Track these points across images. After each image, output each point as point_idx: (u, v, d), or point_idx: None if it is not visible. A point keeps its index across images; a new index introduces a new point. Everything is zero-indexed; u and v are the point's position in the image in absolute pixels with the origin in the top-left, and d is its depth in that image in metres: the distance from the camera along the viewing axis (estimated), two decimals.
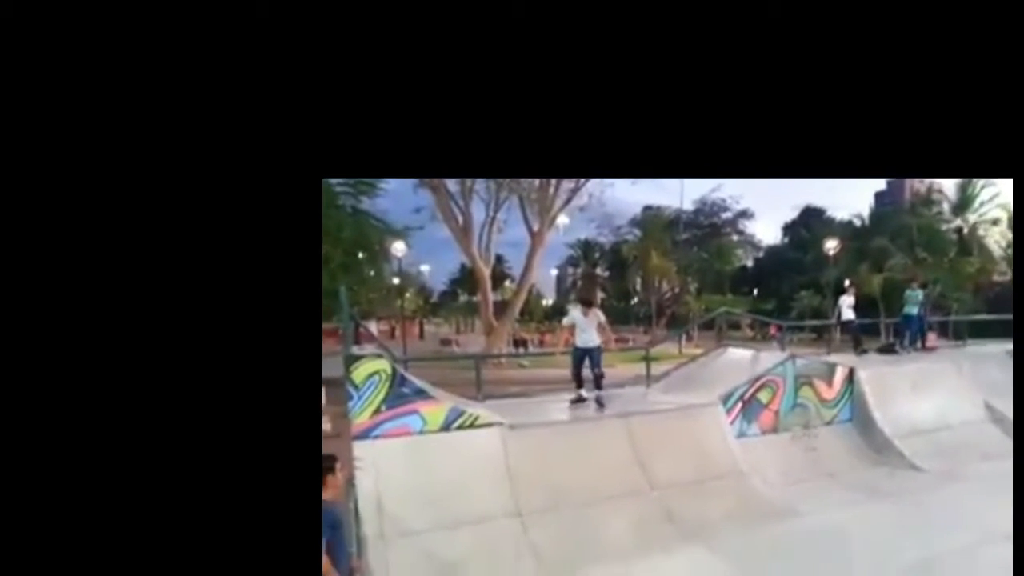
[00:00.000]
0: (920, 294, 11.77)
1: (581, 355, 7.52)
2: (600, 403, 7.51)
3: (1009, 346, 11.95)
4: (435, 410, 5.96)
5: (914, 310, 11.53)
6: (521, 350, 21.85)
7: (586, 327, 7.52)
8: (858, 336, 11.89)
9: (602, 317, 7.74)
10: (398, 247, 23.74)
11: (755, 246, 51.45)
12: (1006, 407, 8.76)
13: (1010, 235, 31.49)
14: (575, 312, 7.80)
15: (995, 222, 32.29)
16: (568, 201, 24.73)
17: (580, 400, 7.62)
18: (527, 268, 26.69)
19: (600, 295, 56.23)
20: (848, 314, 11.69)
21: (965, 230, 33.64)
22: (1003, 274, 32.93)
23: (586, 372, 7.60)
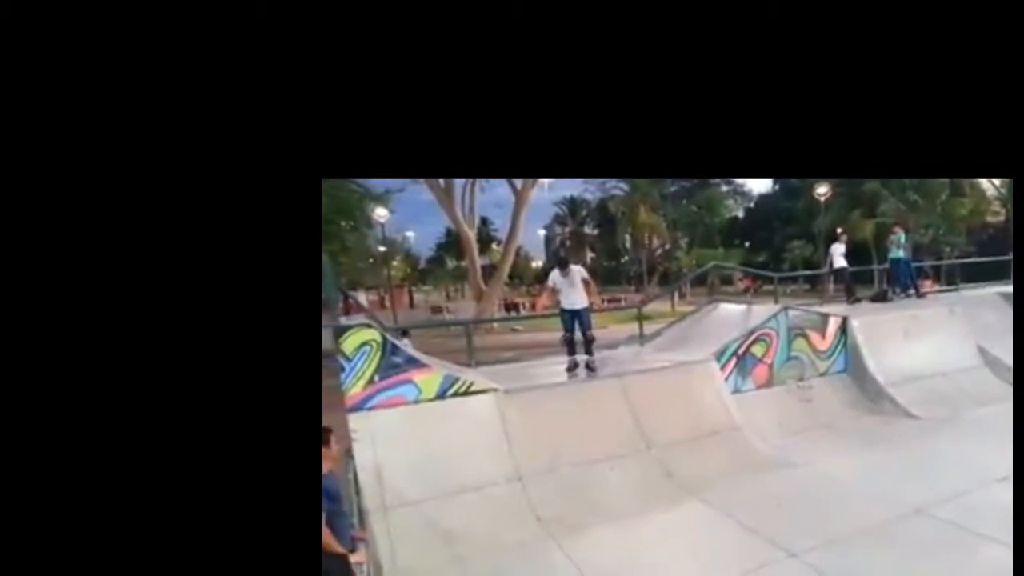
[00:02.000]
0: (903, 237, 11.69)
1: (569, 317, 7.37)
2: (590, 368, 7.36)
3: (1002, 288, 12.04)
4: (429, 378, 5.95)
5: (900, 253, 11.47)
6: (513, 314, 21.71)
7: (568, 288, 7.32)
8: (850, 284, 11.86)
9: (584, 274, 7.51)
10: (380, 213, 23.48)
11: (745, 196, 51.40)
12: (999, 350, 8.83)
13: None
14: (554, 274, 7.54)
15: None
16: None
17: (575, 366, 7.48)
18: (513, 229, 26.28)
19: (589, 254, 56.30)
20: (840, 262, 11.62)
21: None
22: (996, 215, 33.00)
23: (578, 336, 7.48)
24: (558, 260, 7.93)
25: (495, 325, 19.80)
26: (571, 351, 7.48)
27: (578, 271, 7.44)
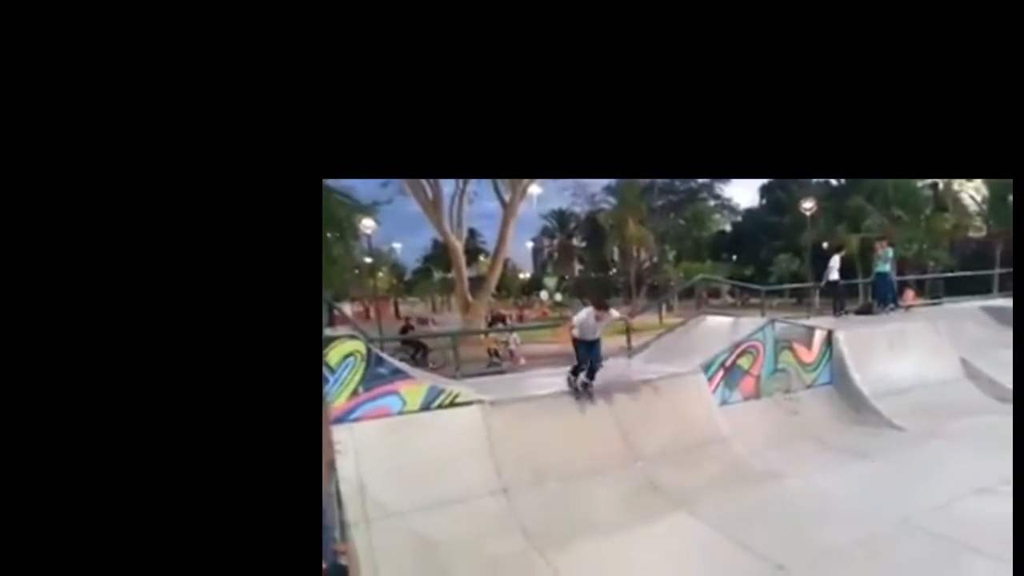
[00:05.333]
0: (890, 252, 11.89)
1: (582, 347, 6.88)
2: (587, 389, 6.90)
3: (984, 302, 12.19)
4: (414, 389, 5.90)
5: (886, 268, 11.65)
6: (500, 326, 21.74)
7: (596, 328, 6.86)
8: (842, 298, 11.98)
9: (615, 315, 7.12)
10: (367, 224, 23.51)
11: (732, 210, 51.96)
12: (981, 363, 8.93)
13: (985, 190, 32.06)
14: (586, 315, 6.86)
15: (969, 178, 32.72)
16: None
17: (582, 387, 6.91)
18: (501, 241, 26.22)
19: (577, 266, 56.38)
20: (833, 275, 11.78)
21: (940, 186, 34.10)
22: (978, 230, 33.55)
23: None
24: (597, 302, 7.18)
25: (482, 337, 19.78)
26: (579, 371, 7.00)
27: (611, 315, 7.05)
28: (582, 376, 6.86)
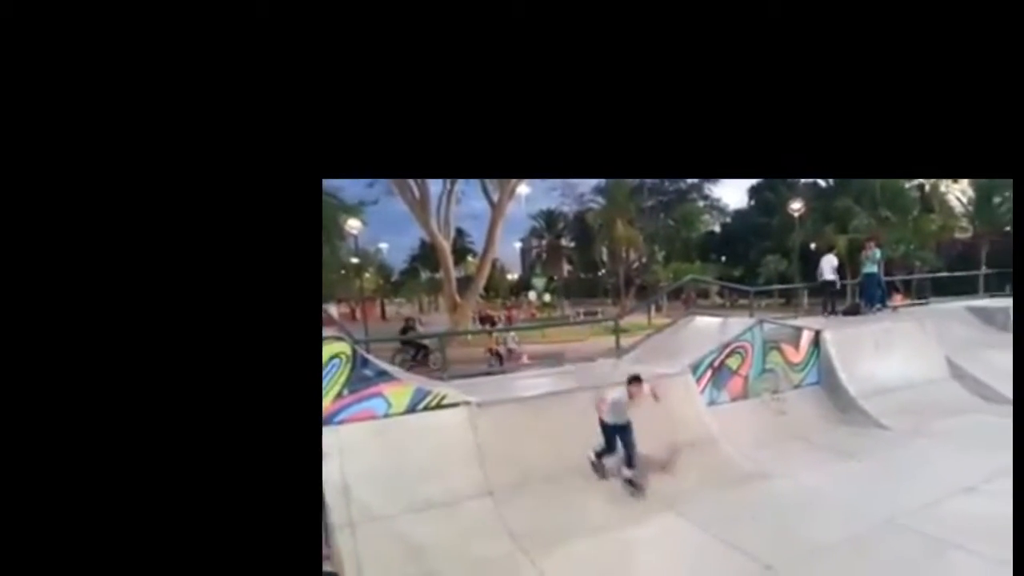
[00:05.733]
0: (878, 252, 11.97)
1: (613, 432, 5.96)
2: (634, 484, 5.89)
3: (969, 302, 12.28)
4: (400, 391, 5.85)
5: (873, 268, 11.72)
6: (487, 327, 21.70)
7: (630, 407, 5.92)
8: (834, 298, 12.01)
9: (648, 391, 5.93)
10: (353, 224, 23.48)
11: (721, 211, 52.10)
12: (967, 363, 8.99)
13: (971, 192, 32.38)
14: (619, 395, 5.91)
15: (956, 179, 33.06)
16: None
17: (626, 483, 5.94)
18: (489, 241, 26.17)
19: (566, 267, 56.29)
20: (830, 275, 11.81)
21: (927, 188, 34.41)
22: (964, 231, 33.86)
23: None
24: (632, 377, 5.96)
25: (469, 338, 19.72)
26: (599, 456, 6.09)
27: (644, 391, 5.87)
28: (624, 471, 5.97)
